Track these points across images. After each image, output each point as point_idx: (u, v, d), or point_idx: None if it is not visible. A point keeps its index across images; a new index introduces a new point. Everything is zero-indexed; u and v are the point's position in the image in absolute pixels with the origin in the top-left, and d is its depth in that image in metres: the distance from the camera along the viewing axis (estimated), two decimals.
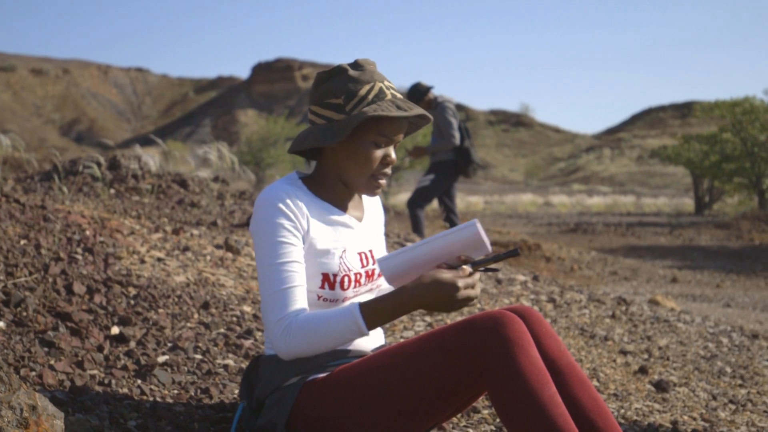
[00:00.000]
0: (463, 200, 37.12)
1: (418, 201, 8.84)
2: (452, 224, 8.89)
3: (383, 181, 2.33)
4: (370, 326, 2.16)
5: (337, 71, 2.30)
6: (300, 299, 2.20)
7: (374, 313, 2.15)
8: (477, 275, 2.14)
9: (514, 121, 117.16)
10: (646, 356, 4.41)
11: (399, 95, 2.30)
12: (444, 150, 8.56)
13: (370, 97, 2.24)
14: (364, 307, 2.16)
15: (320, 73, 2.33)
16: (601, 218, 25.18)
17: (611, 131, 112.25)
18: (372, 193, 2.35)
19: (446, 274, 2.11)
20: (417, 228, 8.76)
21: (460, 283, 2.10)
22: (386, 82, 2.30)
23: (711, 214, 27.21)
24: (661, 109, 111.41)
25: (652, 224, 21.81)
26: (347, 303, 2.31)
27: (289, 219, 2.22)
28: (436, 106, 8.51)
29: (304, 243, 2.26)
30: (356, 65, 2.31)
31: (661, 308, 6.39)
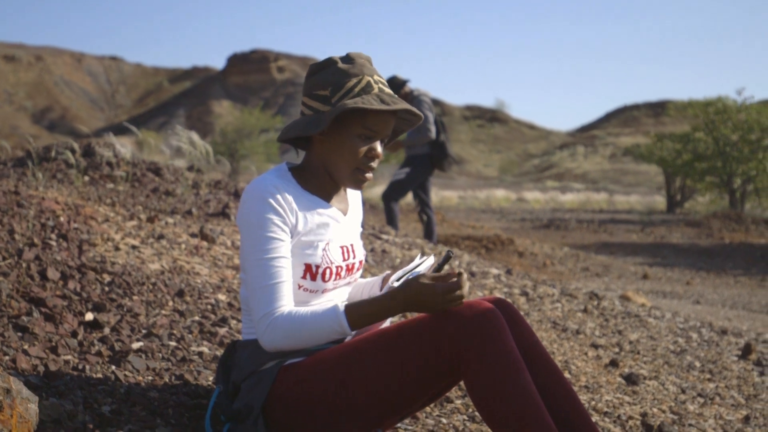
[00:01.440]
0: (437, 195, 37.16)
1: (392, 194, 8.85)
2: (428, 218, 8.95)
3: (368, 175, 2.34)
4: (353, 327, 2.19)
5: (327, 63, 2.32)
6: (287, 295, 2.23)
7: (358, 316, 2.19)
8: (463, 277, 2.17)
9: (489, 117, 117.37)
10: (617, 350, 4.46)
11: (387, 90, 2.31)
12: (420, 144, 8.56)
13: (357, 90, 2.26)
14: (348, 309, 2.19)
15: (312, 65, 2.35)
16: (574, 215, 25.34)
17: (585, 129, 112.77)
18: (356, 186, 2.36)
19: (425, 279, 2.17)
20: (391, 221, 8.77)
21: (437, 288, 2.14)
22: (376, 77, 2.31)
23: (682, 213, 27.47)
24: (635, 107, 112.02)
25: (625, 221, 21.98)
26: (331, 303, 2.32)
27: (278, 214, 2.24)
28: (412, 99, 8.49)
29: (291, 237, 2.28)
30: (347, 58, 2.33)
31: (632, 304, 6.45)
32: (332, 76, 2.28)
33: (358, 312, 2.19)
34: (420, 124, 8.37)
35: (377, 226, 7.26)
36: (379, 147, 2.33)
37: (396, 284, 2.20)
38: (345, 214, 2.47)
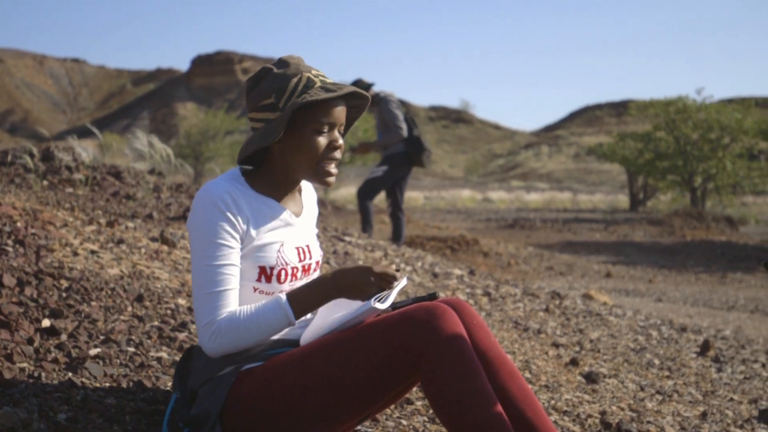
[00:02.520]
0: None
1: (368, 192, 8.81)
2: (397, 220, 8.92)
3: (334, 168, 2.36)
4: (298, 315, 2.22)
5: (263, 73, 2.33)
6: (232, 302, 2.24)
7: (300, 302, 2.23)
8: (393, 265, 2.24)
9: (454, 118, 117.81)
10: (577, 349, 4.49)
11: (329, 80, 2.32)
12: (392, 143, 8.55)
13: (300, 88, 2.26)
14: (290, 297, 2.22)
15: (248, 80, 2.36)
16: (538, 214, 25.50)
17: (549, 128, 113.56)
18: (326, 182, 2.36)
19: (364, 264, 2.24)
20: (366, 220, 8.77)
21: (376, 269, 2.22)
22: (314, 71, 2.32)
23: (645, 211, 27.75)
24: (598, 107, 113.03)
25: (588, 220, 22.16)
26: (272, 295, 2.32)
27: (228, 221, 2.24)
28: (379, 101, 8.50)
29: (241, 243, 2.28)
30: (280, 63, 2.34)
31: (594, 302, 6.51)
32: (272, 83, 2.29)
33: (299, 298, 2.23)
34: (390, 124, 8.43)
35: (340, 228, 7.25)
36: (339, 138, 2.34)
37: (377, 305, 2.20)
38: (299, 215, 2.46)
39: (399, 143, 8.61)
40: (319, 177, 2.35)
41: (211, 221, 2.23)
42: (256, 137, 2.30)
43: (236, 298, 2.25)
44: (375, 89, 8.60)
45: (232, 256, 2.24)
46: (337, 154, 2.35)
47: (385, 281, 2.24)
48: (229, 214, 2.24)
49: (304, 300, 2.23)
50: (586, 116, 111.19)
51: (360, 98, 2.43)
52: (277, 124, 2.25)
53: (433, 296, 2.33)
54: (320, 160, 2.32)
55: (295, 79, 2.28)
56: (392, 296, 2.25)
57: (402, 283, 2.32)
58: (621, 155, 29.55)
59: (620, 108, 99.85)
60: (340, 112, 2.32)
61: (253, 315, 2.20)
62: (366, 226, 8.70)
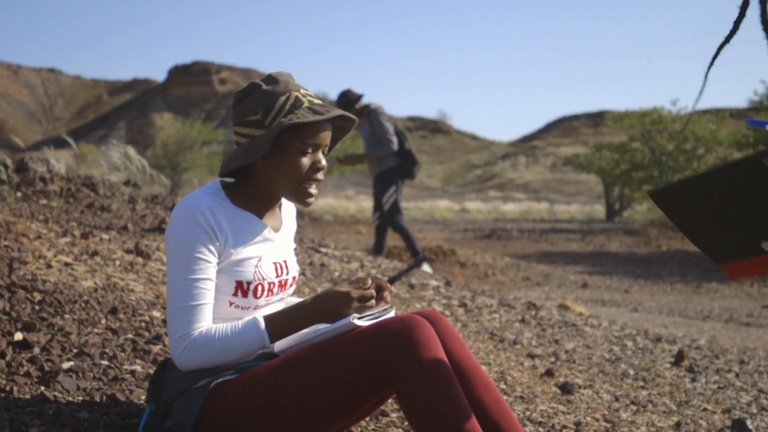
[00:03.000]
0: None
1: (396, 215, 8.80)
2: (383, 234, 8.94)
3: (314, 189, 2.35)
4: (273, 339, 2.23)
5: (251, 88, 2.32)
6: (206, 317, 2.23)
7: (277, 327, 2.24)
8: (371, 289, 2.27)
9: (431, 128, 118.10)
10: (553, 359, 4.51)
11: (317, 101, 2.32)
12: (383, 155, 8.58)
13: (287, 107, 2.26)
14: (267, 320, 2.23)
15: (237, 93, 2.35)
16: (515, 224, 25.59)
17: (526, 139, 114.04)
18: (305, 202, 2.35)
19: (342, 287, 2.26)
20: (410, 242, 8.76)
21: (354, 294, 2.24)
22: (302, 91, 2.31)
23: (621, 221, 27.92)
24: (575, 117, 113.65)
25: (565, 231, 22.25)
26: (249, 317, 2.31)
27: (206, 235, 2.23)
28: (369, 113, 8.53)
29: (219, 257, 2.27)
30: (269, 79, 2.33)
31: (570, 313, 6.53)
32: (260, 99, 2.28)
33: (277, 322, 2.24)
34: (381, 137, 8.46)
35: (317, 239, 7.25)
36: (323, 159, 2.34)
37: (357, 321, 2.21)
38: (278, 230, 2.46)
39: (391, 157, 8.67)
40: (300, 197, 2.34)
41: (189, 235, 2.22)
42: (240, 152, 2.29)
43: (210, 312, 2.24)
44: (363, 101, 8.65)
45: (209, 270, 2.24)
46: (320, 175, 2.34)
47: (364, 305, 2.25)
48: (207, 228, 2.23)
49: (282, 324, 2.24)
50: (562, 127, 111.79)
51: (346, 120, 2.43)
52: (262, 141, 2.24)
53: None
54: (302, 180, 2.32)
55: (283, 98, 2.27)
56: (374, 317, 2.26)
57: (389, 313, 2.32)
58: (597, 166, 29.74)
59: (596, 119, 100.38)
60: (325, 134, 2.32)
61: (228, 334, 2.20)
62: (412, 247, 8.70)
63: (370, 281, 2.29)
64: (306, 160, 2.30)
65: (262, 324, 2.21)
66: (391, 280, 2.38)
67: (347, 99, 8.51)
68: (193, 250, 2.21)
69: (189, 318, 2.20)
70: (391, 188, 8.71)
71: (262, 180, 2.35)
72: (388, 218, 8.77)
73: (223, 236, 2.26)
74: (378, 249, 8.89)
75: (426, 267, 8.54)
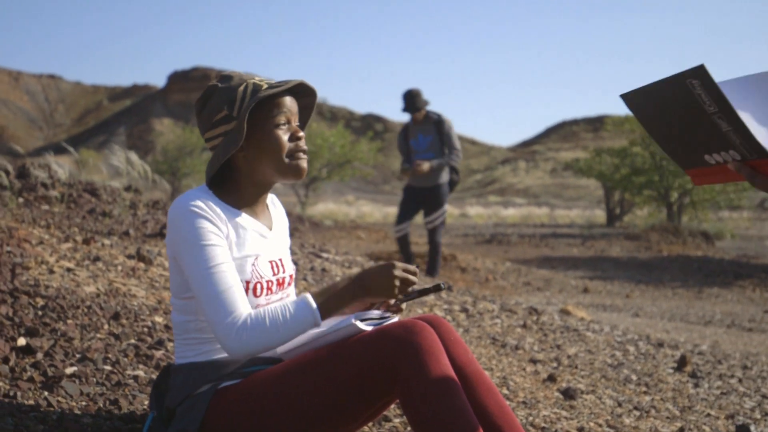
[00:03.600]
0: (381, 211, 37.25)
1: (442, 230, 8.87)
2: (406, 242, 8.92)
3: (304, 159, 2.37)
4: (324, 316, 2.23)
5: (210, 91, 2.37)
6: (241, 298, 2.21)
7: (325, 303, 2.24)
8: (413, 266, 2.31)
9: None
10: (555, 365, 4.50)
11: (273, 82, 2.37)
12: (449, 165, 8.55)
13: (248, 93, 2.30)
14: (316, 297, 2.24)
15: (196, 103, 2.40)
16: (516, 229, 25.57)
17: (526, 144, 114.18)
18: (298, 173, 2.36)
19: (388, 261, 2.28)
20: (437, 256, 8.85)
21: (398, 266, 2.25)
22: (257, 78, 2.37)
23: (622, 226, 27.88)
24: (574, 122, 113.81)
25: (566, 235, 22.24)
26: (295, 297, 2.33)
27: (210, 221, 2.24)
28: (440, 122, 8.49)
29: (227, 240, 2.28)
30: (222, 78, 2.39)
31: (572, 318, 6.53)
32: (222, 96, 2.32)
33: (326, 298, 2.24)
34: (451, 148, 8.49)
35: (317, 244, 7.25)
36: (299, 129, 2.38)
37: (359, 323, 2.21)
38: (270, 228, 2.47)
39: (445, 172, 8.60)
40: (291, 170, 2.36)
41: (192, 227, 2.22)
42: (219, 151, 2.30)
43: (242, 292, 2.23)
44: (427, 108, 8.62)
45: (224, 254, 2.24)
46: (302, 144, 2.37)
47: (405, 283, 2.27)
48: (207, 215, 2.24)
49: (330, 300, 2.24)
50: (562, 132, 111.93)
51: (308, 96, 2.47)
52: (236, 130, 2.27)
53: (438, 287, 2.36)
54: (287, 153, 2.34)
55: (241, 87, 2.31)
56: (375, 322, 2.26)
57: (393, 319, 2.34)
58: (597, 170, 29.72)
59: (596, 123, 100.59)
60: (291, 103, 2.36)
61: (279, 315, 2.18)
62: (438, 264, 8.83)
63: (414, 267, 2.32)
64: (283, 134, 2.33)
65: (313, 302, 2.20)
66: (408, 298, 2.40)
67: (417, 98, 8.45)
68: (202, 240, 2.21)
69: (225, 304, 2.18)
70: (446, 203, 8.68)
71: (248, 173, 2.37)
72: (436, 232, 8.68)
73: (224, 225, 2.27)
74: (409, 260, 8.79)
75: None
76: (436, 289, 2.38)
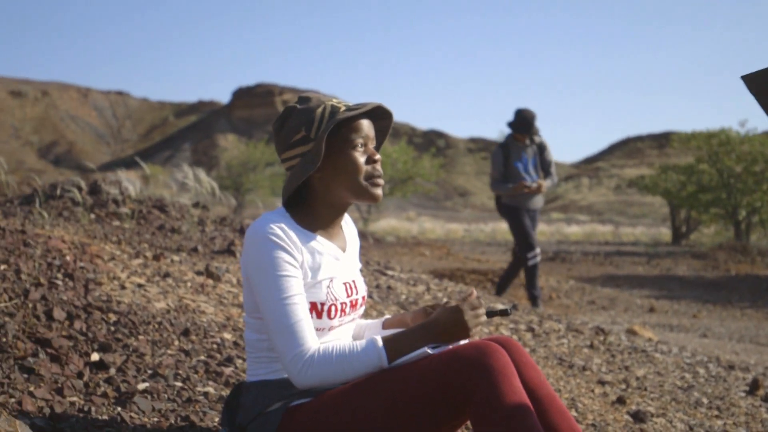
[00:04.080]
0: (443, 228, 37.19)
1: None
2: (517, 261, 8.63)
3: (380, 180, 2.39)
4: (391, 360, 2.22)
5: (287, 112, 2.39)
6: (310, 331, 2.23)
7: (394, 348, 2.23)
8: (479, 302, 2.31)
9: (493, 149, 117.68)
10: (623, 386, 4.44)
11: (351, 104, 2.38)
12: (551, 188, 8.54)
13: (327, 115, 2.32)
14: (385, 341, 2.23)
15: (275, 123, 2.42)
16: (579, 247, 25.30)
17: (590, 160, 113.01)
18: (374, 197, 2.39)
19: (452, 304, 2.28)
20: (513, 275, 8.71)
21: (465, 308, 2.25)
22: (335, 100, 2.39)
23: (688, 244, 27.40)
24: (639, 139, 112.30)
25: (630, 253, 21.93)
26: (365, 339, 2.32)
27: (286, 251, 2.25)
28: (541, 143, 8.40)
29: (301, 269, 2.29)
30: (301, 99, 2.41)
31: (639, 338, 6.43)
32: (299, 117, 2.34)
33: (395, 343, 2.23)
34: (549, 169, 8.42)
35: (382, 262, 7.26)
36: (375, 152, 2.39)
37: (431, 351, 2.21)
38: (344, 250, 2.48)
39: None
40: (368, 192, 2.37)
41: (269, 255, 2.24)
42: (296, 171, 2.33)
43: (311, 325, 2.25)
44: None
45: (298, 286, 2.26)
46: (378, 166, 2.39)
47: (477, 322, 2.27)
48: (285, 245, 2.26)
49: (399, 345, 2.23)
50: (626, 148, 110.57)
51: (384, 119, 2.48)
52: (314, 151, 2.29)
53: (505, 312, 2.37)
54: (364, 175, 2.35)
55: (320, 109, 2.33)
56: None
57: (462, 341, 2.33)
58: (663, 188, 29.30)
59: (662, 140, 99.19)
60: (369, 128, 2.38)
61: (346, 353, 2.20)
62: (509, 284, 8.71)
63: (474, 294, 2.32)
64: (360, 156, 2.35)
65: (380, 343, 2.21)
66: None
67: (535, 121, 8.28)
68: (277, 270, 2.23)
69: (294, 337, 2.20)
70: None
71: (323, 195, 2.38)
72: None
73: (299, 253, 2.29)
74: (536, 291, 8.47)
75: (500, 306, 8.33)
76: (509, 312, 2.39)
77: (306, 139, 2.32)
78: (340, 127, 2.33)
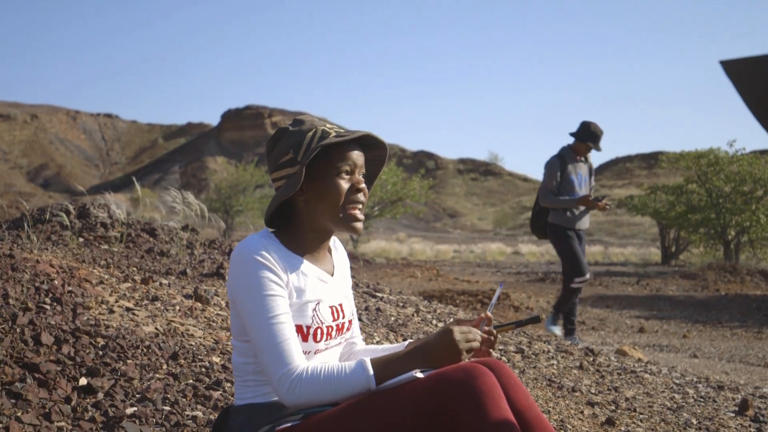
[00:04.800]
0: (432, 249, 37.19)
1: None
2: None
3: (360, 213, 2.39)
4: (379, 382, 2.22)
5: (280, 133, 2.40)
6: (297, 350, 2.23)
7: (383, 370, 2.22)
8: (478, 337, 2.29)
9: (483, 170, 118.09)
10: (613, 407, 4.44)
11: (342, 130, 2.38)
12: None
13: (315, 139, 2.33)
14: (374, 364, 2.22)
15: (267, 143, 2.44)
16: None
17: None
18: (353, 228, 2.39)
19: (449, 331, 2.25)
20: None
21: (455, 330, 2.24)
22: (328, 125, 2.40)
23: (677, 264, 27.47)
24: (628, 159, 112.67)
25: (620, 274, 21.97)
26: (355, 360, 2.32)
27: (271, 271, 2.26)
28: (590, 163, 8.07)
29: (287, 289, 2.30)
30: (295, 122, 2.42)
31: (629, 359, 6.44)
32: (290, 139, 2.35)
33: (383, 366, 2.22)
34: (591, 186, 7.98)
35: (371, 284, 7.25)
36: (362, 181, 2.38)
37: (419, 375, 2.21)
38: (332, 274, 2.49)
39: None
40: (346, 223, 2.37)
41: (255, 275, 2.25)
42: (279, 192, 2.34)
43: (298, 344, 2.25)
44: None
45: (284, 305, 2.26)
46: (361, 197, 2.39)
47: (469, 343, 2.26)
48: (270, 266, 2.26)
49: (387, 368, 2.23)
50: (616, 168, 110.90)
51: (378, 148, 2.47)
52: (296, 174, 2.30)
53: (536, 319, 2.40)
54: (344, 204, 2.36)
55: (310, 133, 2.34)
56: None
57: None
58: (652, 208, 29.37)
59: (651, 160, 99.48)
60: (357, 156, 2.38)
61: (334, 374, 2.20)
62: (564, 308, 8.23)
63: (481, 327, 2.34)
64: (344, 183, 2.35)
65: (370, 367, 2.21)
66: (502, 326, 2.42)
67: (600, 131, 7.88)
68: (264, 290, 2.24)
69: (282, 356, 2.21)
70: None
71: (307, 218, 2.39)
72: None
73: (285, 274, 2.29)
74: (572, 313, 8.21)
75: (557, 330, 7.97)
76: (532, 321, 2.42)
77: (293, 161, 2.33)
78: (329, 152, 2.33)
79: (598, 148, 7.86)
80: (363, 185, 2.38)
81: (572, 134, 7.94)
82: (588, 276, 8.02)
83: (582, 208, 7.78)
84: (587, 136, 7.83)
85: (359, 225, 2.39)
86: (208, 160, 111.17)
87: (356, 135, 2.34)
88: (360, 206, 2.39)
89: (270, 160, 2.40)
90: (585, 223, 8.01)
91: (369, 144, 2.46)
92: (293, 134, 2.35)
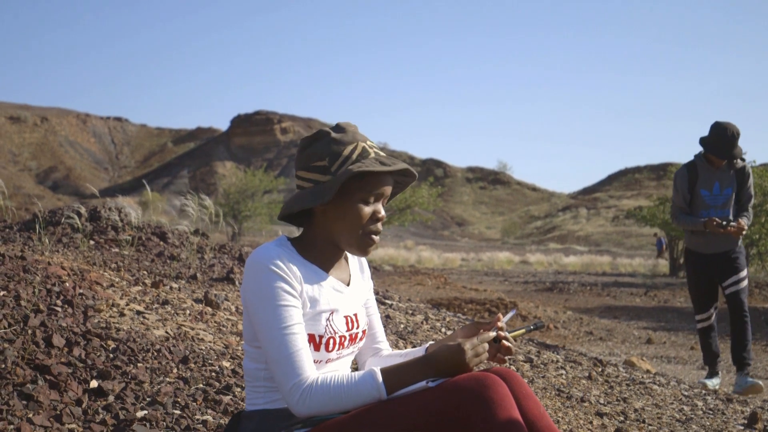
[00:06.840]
0: (440, 257, 37.18)
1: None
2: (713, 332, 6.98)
3: (375, 238, 2.37)
4: (389, 392, 2.20)
5: (320, 135, 2.36)
6: (308, 361, 2.22)
7: (393, 381, 2.21)
8: (483, 339, 2.29)
9: (491, 179, 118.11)
10: (622, 418, 4.43)
11: (382, 153, 2.36)
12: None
13: (354, 156, 2.29)
14: (384, 374, 2.21)
15: (304, 139, 2.38)
16: (577, 277, 25.29)
17: (588, 191, 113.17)
18: (364, 252, 2.38)
19: (453, 341, 2.27)
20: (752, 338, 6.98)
21: (468, 350, 2.22)
22: (369, 142, 2.36)
23: (686, 276, 27.36)
24: (637, 170, 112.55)
25: (628, 284, 21.92)
26: (366, 369, 2.32)
27: (285, 281, 2.25)
28: (742, 168, 6.53)
29: (300, 299, 2.29)
30: (338, 128, 2.37)
31: (637, 370, 6.42)
32: (328, 146, 2.32)
33: (394, 376, 2.21)
34: (747, 202, 6.62)
35: (381, 291, 7.26)
36: (382, 210, 2.37)
37: (431, 384, 2.21)
38: (347, 284, 2.48)
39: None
40: (360, 246, 2.36)
41: (269, 285, 2.24)
42: (304, 196, 2.32)
43: (310, 355, 2.24)
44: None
45: (297, 315, 2.25)
46: (379, 225, 2.37)
47: (479, 359, 2.26)
48: (284, 275, 2.25)
49: (398, 378, 2.22)
50: (624, 179, 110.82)
51: (407, 175, 2.45)
52: (328, 187, 2.28)
53: (541, 325, 2.39)
54: (363, 229, 2.34)
55: (350, 146, 2.31)
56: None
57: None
58: (661, 219, 29.32)
59: (659, 171, 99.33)
60: (387, 185, 2.35)
61: (344, 384, 2.19)
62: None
63: (492, 332, 2.32)
64: (367, 210, 2.33)
65: (380, 377, 2.20)
66: (513, 331, 2.42)
67: (734, 136, 6.34)
68: (277, 300, 2.23)
69: (293, 366, 2.20)
70: (746, 268, 6.71)
71: (321, 228, 2.38)
72: (738, 296, 6.66)
73: (299, 284, 2.28)
74: (714, 360, 6.94)
75: (709, 383, 6.45)
76: (537, 327, 2.42)
77: (325, 169, 2.31)
78: (363, 174, 2.31)
79: (730, 160, 6.51)
80: (383, 213, 2.37)
81: (701, 141, 6.56)
82: (708, 315, 6.91)
83: (737, 229, 6.43)
84: (714, 146, 6.42)
85: (371, 250, 2.39)
86: (216, 165, 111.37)
87: (396, 167, 2.31)
88: (376, 236, 2.38)
89: (302, 157, 2.37)
90: (721, 246, 6.68)
91: (398, 172, 2.43)
92: (333, 142, 2.32)
